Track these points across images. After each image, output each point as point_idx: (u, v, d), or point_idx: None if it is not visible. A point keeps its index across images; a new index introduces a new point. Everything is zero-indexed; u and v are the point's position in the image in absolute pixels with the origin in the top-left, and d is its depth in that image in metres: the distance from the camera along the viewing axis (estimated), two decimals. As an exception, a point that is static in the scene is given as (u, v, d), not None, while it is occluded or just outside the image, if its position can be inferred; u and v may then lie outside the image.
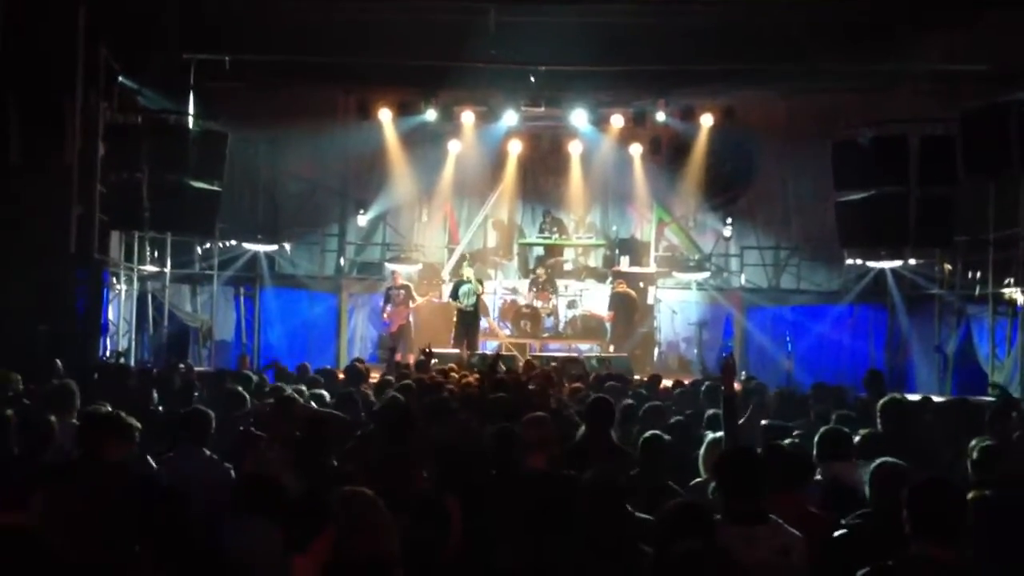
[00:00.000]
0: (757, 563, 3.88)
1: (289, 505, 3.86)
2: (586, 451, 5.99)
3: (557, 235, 18.57)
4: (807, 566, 4.08)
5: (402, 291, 16.67)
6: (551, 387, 9.30)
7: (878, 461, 4.61)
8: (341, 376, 10.55)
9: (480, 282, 16.37)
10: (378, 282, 18.05)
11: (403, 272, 17.49)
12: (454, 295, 16.17)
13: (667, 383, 11.34)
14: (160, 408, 7.90)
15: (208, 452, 5.93)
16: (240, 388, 8.11)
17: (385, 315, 16.75)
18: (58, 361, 9.76)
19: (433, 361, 11.82)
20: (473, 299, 16.03)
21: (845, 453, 5.59)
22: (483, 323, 16.75)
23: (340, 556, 3.31)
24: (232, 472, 5.70)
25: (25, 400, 7.31)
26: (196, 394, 8.36)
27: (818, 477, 5.37)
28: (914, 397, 9.61)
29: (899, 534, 3.70)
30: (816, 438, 5.66)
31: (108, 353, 14.08)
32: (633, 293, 17.10)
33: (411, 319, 16.90)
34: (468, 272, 16.37)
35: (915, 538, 3.61)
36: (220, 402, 7.58)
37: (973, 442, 5.48)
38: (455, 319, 16.25)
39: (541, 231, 18.72)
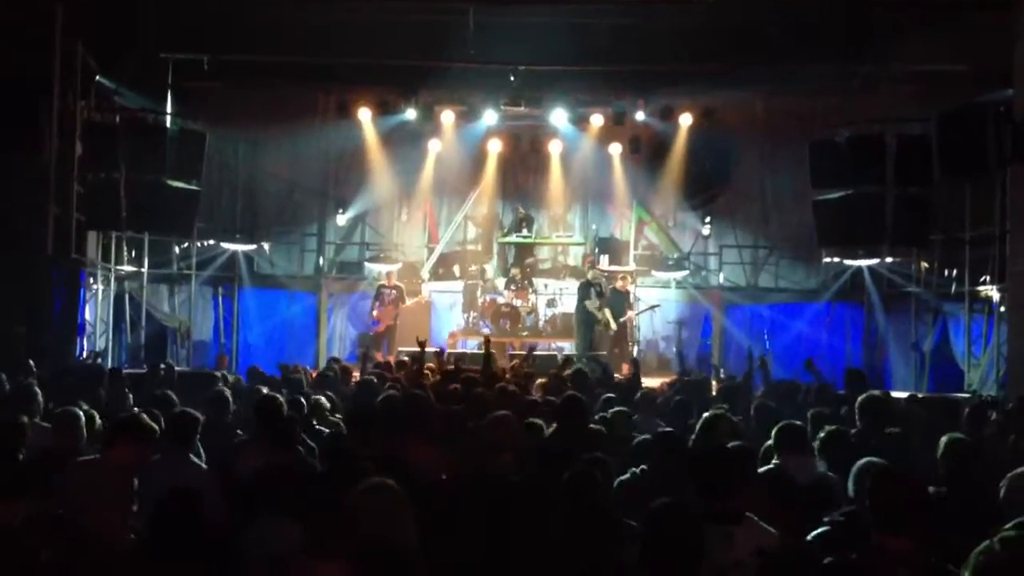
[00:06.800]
0: (734, 563, 3.90)
1: (311, 506, 3.89)
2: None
3: (527, 232, 18.48)
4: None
5: (394, 291, 16.58)
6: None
7: (864, 460, 4.59)
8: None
9: (602, 285, 16.15)
10: (357, 282, 18.01)
11: (382, 272, 17.42)
12: (587, 297, 15.81)
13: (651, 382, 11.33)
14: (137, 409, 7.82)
15: (193, 457, 5.79)
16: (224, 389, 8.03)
17: (374, 313, 16.65)
18: (31, 361, 9.70)
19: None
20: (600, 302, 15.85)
21: (802, 447, 5.59)
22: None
23: (362, 544, 3.45)
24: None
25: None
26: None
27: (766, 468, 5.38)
28: (900, 394, 9.69)
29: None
30: (775, 430, 5.67)
31: (85, 354, 13.98)
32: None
33: (396, 320, 16.83)
34: (596, 274, 16.17)
35: (875, 529, 3.59)
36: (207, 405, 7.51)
37: (944, 438, 5.49)
38: (585, 321, 15.79)
39: (514, 227, 18.63)
